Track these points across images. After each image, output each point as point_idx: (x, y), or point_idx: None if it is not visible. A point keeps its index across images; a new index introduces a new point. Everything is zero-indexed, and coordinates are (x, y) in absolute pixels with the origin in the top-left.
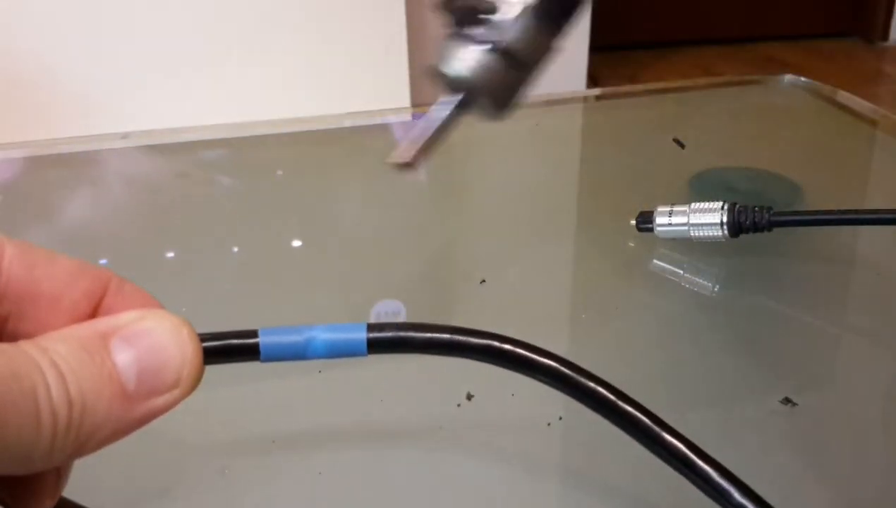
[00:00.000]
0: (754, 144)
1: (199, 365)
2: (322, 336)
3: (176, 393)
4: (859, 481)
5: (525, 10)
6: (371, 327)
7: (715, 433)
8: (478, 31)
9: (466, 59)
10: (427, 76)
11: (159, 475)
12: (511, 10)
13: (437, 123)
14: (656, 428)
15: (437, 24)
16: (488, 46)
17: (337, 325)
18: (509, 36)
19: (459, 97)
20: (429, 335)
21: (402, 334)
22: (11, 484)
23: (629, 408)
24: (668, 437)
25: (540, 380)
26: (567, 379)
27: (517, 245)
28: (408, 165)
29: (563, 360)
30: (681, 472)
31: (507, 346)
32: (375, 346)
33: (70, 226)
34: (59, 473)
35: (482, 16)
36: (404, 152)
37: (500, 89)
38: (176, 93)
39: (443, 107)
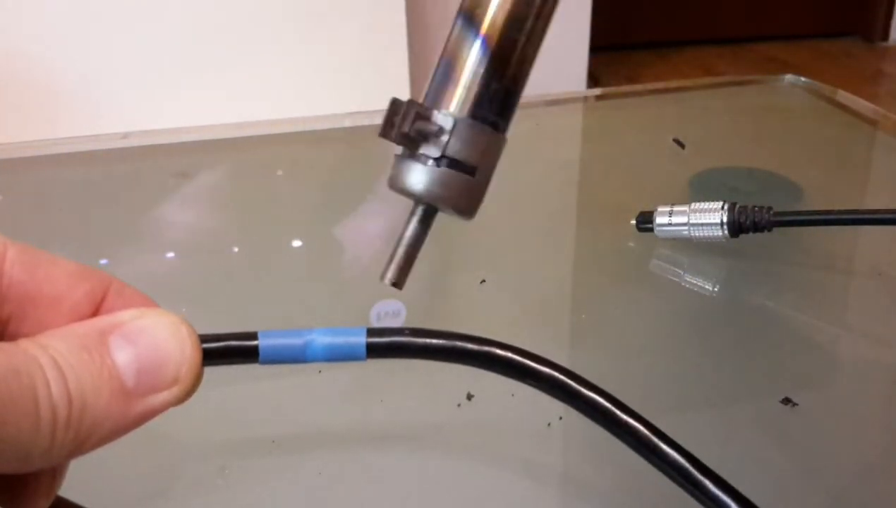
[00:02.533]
0: (754, 144)
1: (197, 362)
2: (321, 339)
3: (175, 390)
4: (859, 481)
5: (457, 121)
6: (370, 332)
7: (715, 433)
8: (424, 148)
9: (419, 178)
10: (392, 190)
11: (159, 475)
12: (447, 123)
13: (408, 241)
14: (654, 439)
15: (437, 24)
16: (435, 162)
17: (336, 329)
18: (453, 149)
19: (423, 211)
20: (428, 341)
21: (400, 339)
22: (7, 483)
23: (628, 419)
24: (666, 448)
25: (539, 389)
26: (566, 389)
27: (517, 245)
28: (395, 285)
29: (563, 369)
30: (679, 484)
31: (506, 354)
32: (374, 351)
33: (70, 225)
34: (55, 472)
35: (424, 134)
36: (391, 275)
37: (459, 197)
38: (176, 93)
39: (411, 224)
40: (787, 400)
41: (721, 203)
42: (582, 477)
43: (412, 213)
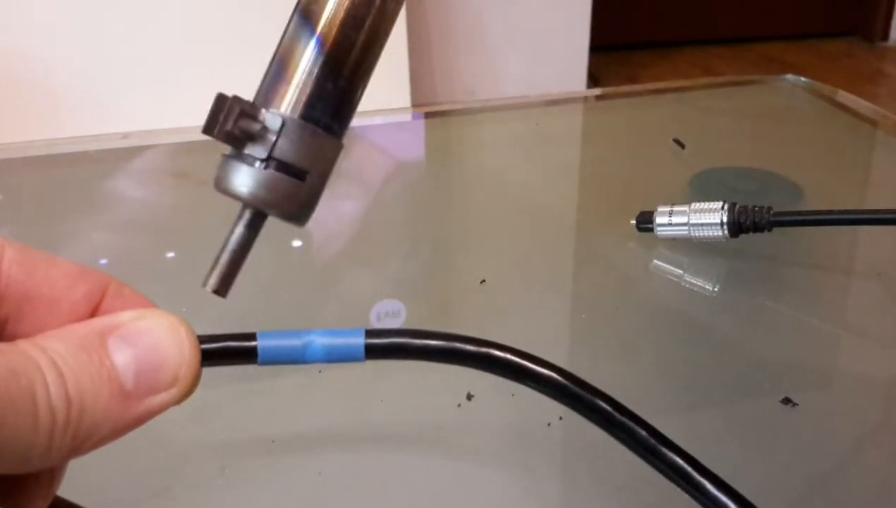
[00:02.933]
0: (754, 144)
1: (196, 364)
2: (320, 341)
3: (174, 391)
4: (859, 481)
5: (286, 121)
6: (369, 333)
7: (715, 433)
8: (250, 149)
9: (244, 179)
10: (218, 191)
11: (159, 475)
12: (275, 123)
13: (233, 247)
14: (653, 440)
15: (437, 23)
16: (262, 164)
17: (335, 330)
18: (280, 150)
19: (250, 216)
20: (426, 342)
21: (399, 340)
22: (5, 484)
23: (627, 420)
24: (665, 450)
25: (537, 390)
26: (565, 390)
27: (517, 245)
28: (217, 292)
29: (562, 370)
30: (678, 485)
31: (505, 355)
32: (373, 352)
33: (70, 225)
34: (54, 473)
35: (250, 133)
36: (213, 282)
37: (287, 202)
38: (176, 93)
39: (237, 228)
40: (787, 400)
41: (721, 203)
42: (582, 477)
43: (238, 217)
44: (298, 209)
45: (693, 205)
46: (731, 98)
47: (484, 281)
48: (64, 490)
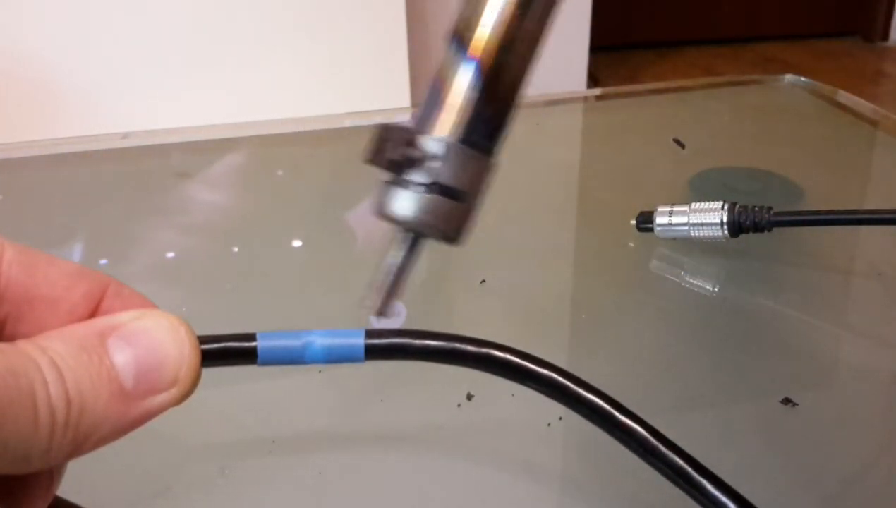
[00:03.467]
0: (754, 144)
1: (196, 364)
2: (320, 341)
3: (174, 391)
4: (859, 481)
5: (449, 146)
6: (369, 333)
7: (715, 433)
8: (412, 175)
9: (407, 205)
10: (377, 216)
11: (159, 475)
12: (436, 148)
13: (395, 269)
14: (653, 441)
15: (437, 23)
16: (424, 188)
17: (335, 331)
18: (443, 175)
19: (411, 239)
20: (426, 342)
21: (399, 341)
22: (5, 484)
23: (627, 420)
24: (665, 450)
25: (537, 390)
26: (565, 390)
27: (517, 245)
28: (381, 314)
29: (562, 371)
30: (678, 485)
31: (505, 355)
32: (373, 352)
33: (70, 225)
34: (53, 473)
35: (413, 160)
36: (375, 304)
37: (447, 224)
38: (176, 93)
39: (397, 251)
40: (787, 400)
41: (721, 203)
42: (582, 478)
43: (399, 241)
44: (458, 230)
45: (693, 205)
46: (731, 98)
47: (484, 281)
48: (64, 490)
